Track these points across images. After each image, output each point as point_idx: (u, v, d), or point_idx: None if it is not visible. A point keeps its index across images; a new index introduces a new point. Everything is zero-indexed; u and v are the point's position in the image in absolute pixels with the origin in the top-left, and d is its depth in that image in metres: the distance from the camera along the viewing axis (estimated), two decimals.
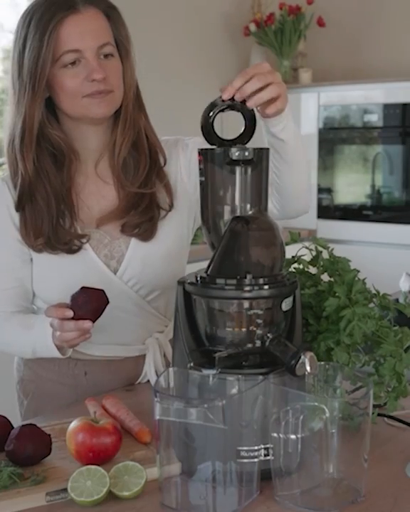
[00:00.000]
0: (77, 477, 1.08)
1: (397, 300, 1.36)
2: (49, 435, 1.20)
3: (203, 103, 1.22)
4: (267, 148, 1.18)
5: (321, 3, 4.19)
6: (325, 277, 1.30)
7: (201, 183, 1.19)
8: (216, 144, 1.19)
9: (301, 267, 1.33)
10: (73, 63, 1.40)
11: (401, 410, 1.28)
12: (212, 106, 1.21)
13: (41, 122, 1.44)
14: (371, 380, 1.20)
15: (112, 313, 1.53)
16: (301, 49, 4.28)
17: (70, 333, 1.35)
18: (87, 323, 1.33)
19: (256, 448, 1.07)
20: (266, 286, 1.12)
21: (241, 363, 1.14)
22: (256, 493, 1.08)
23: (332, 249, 1.31)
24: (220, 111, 1.19)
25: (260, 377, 1.10)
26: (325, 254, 1.31)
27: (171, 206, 1.54)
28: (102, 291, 1.35)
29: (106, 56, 1.43)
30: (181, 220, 1.56)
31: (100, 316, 1.36)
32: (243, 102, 1.22)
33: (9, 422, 1.25)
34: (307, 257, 1.33)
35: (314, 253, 1.32)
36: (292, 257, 1.33)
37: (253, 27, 4.22)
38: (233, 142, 1.20)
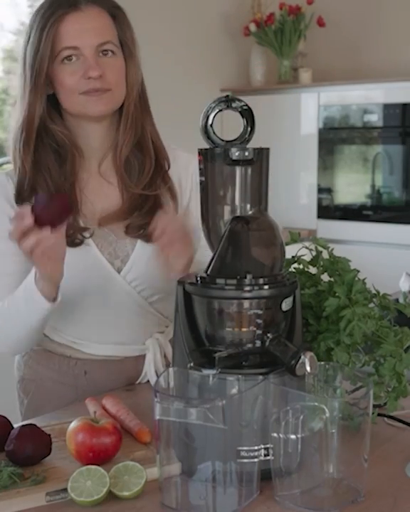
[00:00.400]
0: (77, 477, 1.08)
1: (397, 300, 1.36)
2: (49, 435, 1.20)
3: (203, 103, 1.22)
4: (267, 148, 1.18)
5: (321, 3, 4.19)
6: (325, 277, 1.30)
7: (201, 183, 1.19)
8: (215, 144, 1.19)
9: (301, 267, 1.33)
10: (70, 59, 1.41)
11: (401, 410, 1.28)
12: (210, 107, 1.20)
13: (42, 117, 1.45)
14: (371, 380, 1.20)
15: (113, 313, 1.54)
16: (301, 49, 4.28)
17: (29, 240, 1.25)
18: (45, 230, 1.25)
19: (256, 448, 1.07)
20: (266, 286, 1.12)
21: (241, 363, 1.14)
22: (256, 493, 1.08)
23: (332, 249, 1.31)
24: (219, 111, 1.19)
25: (260, 377, 1.10)
26: (325, 254, 1.31)
27: (175, 210, 1.55)
28: (66, 196, 1.31)
29: (106, 55, 1.43)
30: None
31: (62, 224, 1.28)
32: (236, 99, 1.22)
33: (9, 422, 1.25)
34: (307, 257, 1.33)
35: (314, 253, 1.32)
36: (292, 257, 1.33)
37: (253, 27, 4.22)
38: (232, 142, 1.20)
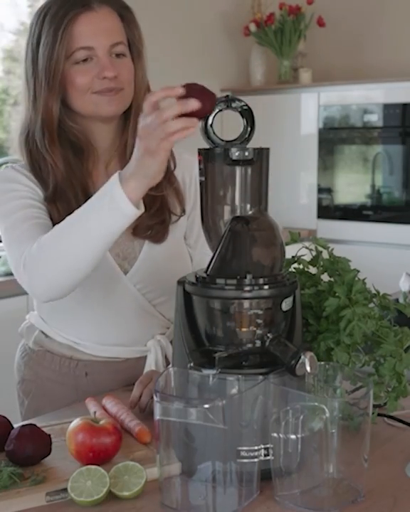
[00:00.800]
0: (77, 477, 1.08)
1: (397, 300, 1.36)
2: (49, 435, 1.20)
3: None
4: (267, 148, 1.18)
5: (321, 3, 4.19)
6: (325, 277, 1.30)
7: (201, 183, 1.19)
8: (215, 144, 1.19)
9: (301, 267, 1.33)
10: (85, 60, 1.42)
11: (401, 410, 1.28)
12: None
13: (60, 117, 1.45)
14: (371, 380, 1.20)
15: (116, 314, 1.54)
16: (301, 49, 4.28)
17: (170, 111, 1.14)
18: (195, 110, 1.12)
19: (256, 448, 1.07)
20: (266, 286, 1.12)
21: (241, 363, 1.14)
22: (256, 493, 1.08)
23: (332, 249, 1.31)
24: (219, 111, 1.19)
25: (260, 377, 1.10)
26: (325, 254, 1.31)
27: (182, 211, 1.55)
28: (214, 96, 1.16)
29: (117, 55, 1.44)
30: (185, 225, 1.59)
31: (207, 117, 1.16)
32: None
33: (9, 422, 1.25)
34: (307, 257, 1.33)
35: (314, 253, 1.32)
36: (292, 257, 1.33)
37: (253, 27, 4.22)
38: (232, 142, 1.20)
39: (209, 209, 1.19)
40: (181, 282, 1.19)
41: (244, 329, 1.13)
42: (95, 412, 1.26)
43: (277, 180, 3.89)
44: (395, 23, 4.14)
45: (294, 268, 1.34)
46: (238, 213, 1.16)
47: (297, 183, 4.18)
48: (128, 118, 1.50)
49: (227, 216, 1.16)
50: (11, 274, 2.86)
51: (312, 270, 1.32)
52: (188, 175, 1.59)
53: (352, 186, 4.14)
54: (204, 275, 1.17)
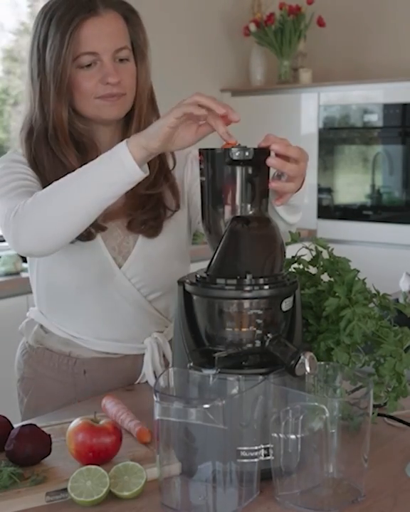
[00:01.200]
0: (77, 477, 1.08)
1: (397, 300, 1.36)
2: (49, 435, 1.20)
3: None
4: (268, 148, 1.18)
5: (321, 3, 4.19)
6: (325, 277, 1.30)
7: (201, 183, 1.19)
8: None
9: (301, 267, 1.33)
10: (89, 65, 1.43)
11: (401, 410, 1.28)
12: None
13: (69, 120, 1.46)
14: (371, 380, 1.20)
15: (112, 309, 1.55)
16: (301, 49, 4.28)
17: (202, 109, 1.23)
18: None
19: (256, 448, 1.07)
20: (266, 286, 1.12)
21: (241, 363, 1.14)
22: (256, 493, 1.08)
23: (332, 249, 1.31)
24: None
25: (260, 377, 1.10)
26: (325, 254, 1.31)
27: (177, 207, 1.57)
28: None
29: (121, 60, 1.45)
30: (183, 221, 1.59)
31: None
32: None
33: (9, 422, 1.25)
34: (307, 257, 1.33)
35: (314, 253, 1.32)
36: (292, 257, 1.33)
37: (253, 27, 4.22)
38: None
39: (209, 209, 1.19)
40: (181, 282, 1.19)
41: (244, 329, 1.13)
42: (95, 412, 1.26)
43: None
44: (395, 23, 4.14)
45: (294, 268, 1.34)
46: (238, 213, 1.16)
47: None
48: (130, 119, 1.52)
49: (227, 216, 1.16)
50: (11, 274, 2.86)
51: (312, 270, 1.32)
52: (183, 159, 1.60)
53: (352, 186, 4.14)
54: (204, 275, 1.17)
